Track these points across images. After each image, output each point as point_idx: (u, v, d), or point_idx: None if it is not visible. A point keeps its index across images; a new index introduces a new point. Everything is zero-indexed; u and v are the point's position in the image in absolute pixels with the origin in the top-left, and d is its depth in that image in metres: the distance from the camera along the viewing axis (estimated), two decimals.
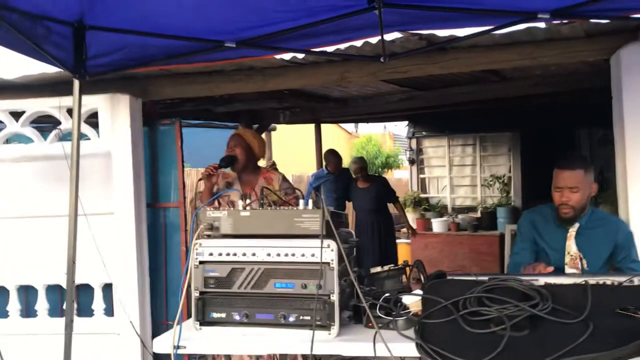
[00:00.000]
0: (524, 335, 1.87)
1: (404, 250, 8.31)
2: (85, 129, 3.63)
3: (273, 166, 6.55)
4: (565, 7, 2.52)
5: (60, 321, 3.35)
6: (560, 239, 2.82)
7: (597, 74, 3.83)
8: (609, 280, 2.18)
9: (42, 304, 3.73)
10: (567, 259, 2.78)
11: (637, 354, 1.72)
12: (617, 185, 3.24)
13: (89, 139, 3.66)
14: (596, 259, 2.78)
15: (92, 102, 3.60)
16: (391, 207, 6.85)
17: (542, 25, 2.98)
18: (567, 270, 2.75)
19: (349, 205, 7.04)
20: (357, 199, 6.66)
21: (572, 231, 2.79)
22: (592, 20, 2.93)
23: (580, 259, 2.75)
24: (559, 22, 2.93)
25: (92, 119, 3.70)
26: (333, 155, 6.90)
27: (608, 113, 3.34)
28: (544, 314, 1.91)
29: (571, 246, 2.77)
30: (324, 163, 7.24)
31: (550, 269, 2.50)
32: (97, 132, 3.66)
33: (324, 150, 7.44)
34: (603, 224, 2.83)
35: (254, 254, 2.16)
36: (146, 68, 3.26)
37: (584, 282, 2.11)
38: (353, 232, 2.64)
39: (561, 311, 1.94)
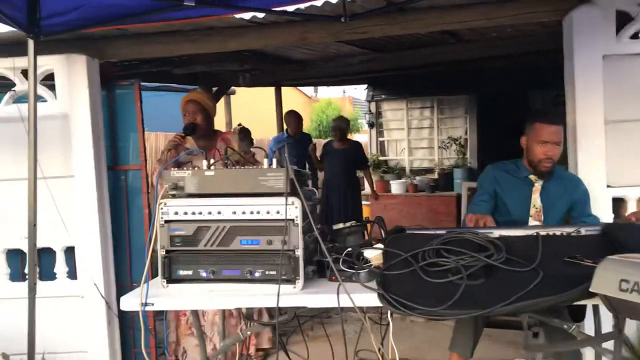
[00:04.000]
0: (479, 283, 1.97)
1: (364, 211, 8.44)
2: (42, 90, 3.55)
3: (242, 130, 6.52)
4: None
5: (22, 285, 3.35)
6: (522, 192, 2.92)
7: (551, 36, 3.94)
8: (558, 231, 2.30)
9: (2, 269, 3.68)
10: (532, 212, 2.89)
11: (582, 297, 1.84)
12: (567, 139, 3.37)
13: (46, 100, 3.59)
14: (554, 213, 2.91)
15: (48, 62, 3.52)
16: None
17: None
18: (531, 222, 2.88)
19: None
20: (332, 160, 6.63)
21: (538, 185, 2.90)
22: None
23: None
24: None
25: (49, 82, 3.62)
26: (294, 115, 6.89)
27: (559, 74, 3.46)
28: (498, 263, 2.02)
29: (536, 199, 2.89)
30: (284, 126, 7.23)
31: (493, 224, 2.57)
32: (54, 94, 3.59)
33: (284, 114, 7.43)
34: (562, 180, 2.94)
35: (219, 213, 2.18)
36: (102, 27, 3.19)
37: (535, 234, 2.23)
38: (316, 191, 2.69)
39: (514, 261, 2.04)
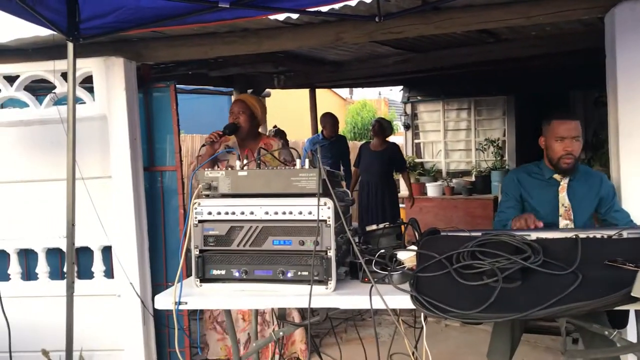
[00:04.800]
0: (516, 286, 1.92)
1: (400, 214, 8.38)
2: (80, 92, 3.63)
3: (278, 132, 6.58)
4: None
5: (61, 284, 3.41)
6: (549, 193, 2.91)
7: (592, 34, 3.83)
8: (598, 234, 2.23)
9: (42, 267, 3.77)
10: (561, 211, 2.87)
11: (623, 302, 1.78)
12: (609, 142, 3.28)
13: (84, 102, 3.66)
14: (583, 211, 2.88)
15: (87, 65, 3.59)
16: None
17: None
18: (561, 221, 2.86)
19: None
20: (368, 162, 6.58)
21: (564, 184, 2.87)
22: None
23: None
24: None
25: (88, 84, 3.69)
26: (330, 117, 6.89)
27: (602, 75, 3.36)
28: (535, 266, 1.97)
29: (564, 198, 2.87)
30: (319, 128, 7.23)
31: (540, 223, 2.55)
32: (92, 96, 3.66)
33: (319, 116, 7.43)
34: (587, 178, 2.93)
35: (252, 213, 2.18)
36: (140, 30, 3.24)
37: (574, 236, 2.17)
38: (349, 192, 2.68)
39: (552, 264, 1.99)
